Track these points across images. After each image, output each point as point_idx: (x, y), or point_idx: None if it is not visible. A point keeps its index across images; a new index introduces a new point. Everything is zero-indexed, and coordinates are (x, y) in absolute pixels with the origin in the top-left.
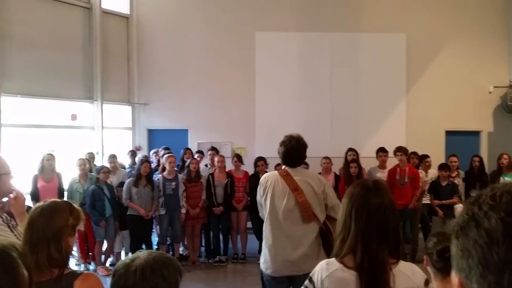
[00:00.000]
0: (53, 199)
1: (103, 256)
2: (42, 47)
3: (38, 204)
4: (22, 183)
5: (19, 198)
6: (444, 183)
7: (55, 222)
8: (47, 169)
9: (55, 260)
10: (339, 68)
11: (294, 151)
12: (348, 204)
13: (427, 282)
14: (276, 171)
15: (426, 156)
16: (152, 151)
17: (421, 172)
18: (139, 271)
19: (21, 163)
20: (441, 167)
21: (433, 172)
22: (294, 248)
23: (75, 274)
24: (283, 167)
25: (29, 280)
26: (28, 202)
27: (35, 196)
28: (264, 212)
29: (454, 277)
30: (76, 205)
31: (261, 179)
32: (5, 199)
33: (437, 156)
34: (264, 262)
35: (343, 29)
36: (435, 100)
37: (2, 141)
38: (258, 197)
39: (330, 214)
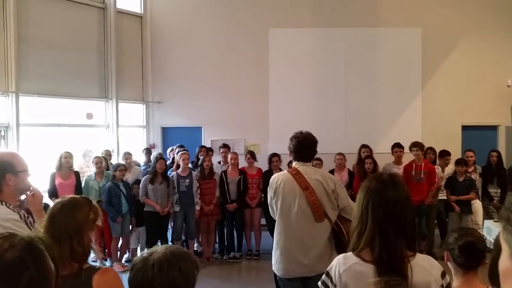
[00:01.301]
0: (72, 195)
1: (118, 253)
2: (58, 47)
3: (58, 200)
4: (39, 181)
5: (36, 195)
6: (461, 179)
7: (77, 216)
8: (65, 166)
9: (77, 254)
10: (354, 64)
11: (305, 145)
12: (364, 198)
13: (443, 274)
14: (286, 171)
15: (447, 153)
16: (169, 149)
17: (437, 168)
18: (157, 265)
19: (39, 161)
20: (458, 162)
21: (450, 168)
22: (306, 249)
23: (93, 269)
24: (294, 163)
25: (56, 272)
26: (46, 199)
27: (53, 193)
28: (275, 213)
29: None
30: (94, 201)
31: (270, 180)
32: (22, 197)
33: (454, 151)
34: (276, 263)
35: (358, 24)
36: (452, 94)
37: (21, 140)
38: (269, 199)
39: (342, 215)
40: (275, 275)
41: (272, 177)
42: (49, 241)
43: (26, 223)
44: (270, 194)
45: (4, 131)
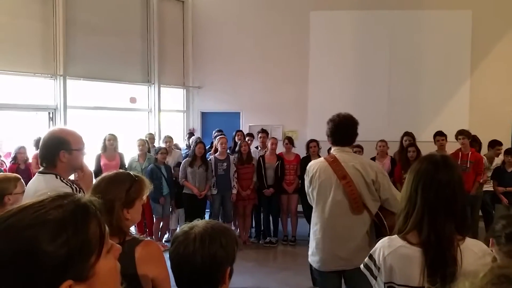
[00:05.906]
0: (117, 171)
1: (159, 233)
2: (103, 32)
3: (104, 174)
4: (87, 161)
5: (86, 173)
6: (510, 169)
7: (113, 191)
8: (109, 148)
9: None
10: (398, 48)
11: (341, 127)
12: (414, 179)
13: (494, 259)
14: (322, 158)
15: (498, 143)
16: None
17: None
18: (199, 239)
19: (85, 143)
20: (508, 152)
21: (499, 158)
22: (342, 242)
23: (137, 240)
24: (332, 149)
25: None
26: None
27: (98, 174)
28: (312, 202)
29: None
30: (142, 176)
31: (307, 167)
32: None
33: (503, 140)
34: (312, 255)
35: (403, 7)
36: (503, 80)
37: (68, 122)
38: (306, 187)
39: (385, 207)
40: (310, 267)
41: (309, 164)
42: (100, 204)
43: None
44: (306, 182)
45: (52, 113)
